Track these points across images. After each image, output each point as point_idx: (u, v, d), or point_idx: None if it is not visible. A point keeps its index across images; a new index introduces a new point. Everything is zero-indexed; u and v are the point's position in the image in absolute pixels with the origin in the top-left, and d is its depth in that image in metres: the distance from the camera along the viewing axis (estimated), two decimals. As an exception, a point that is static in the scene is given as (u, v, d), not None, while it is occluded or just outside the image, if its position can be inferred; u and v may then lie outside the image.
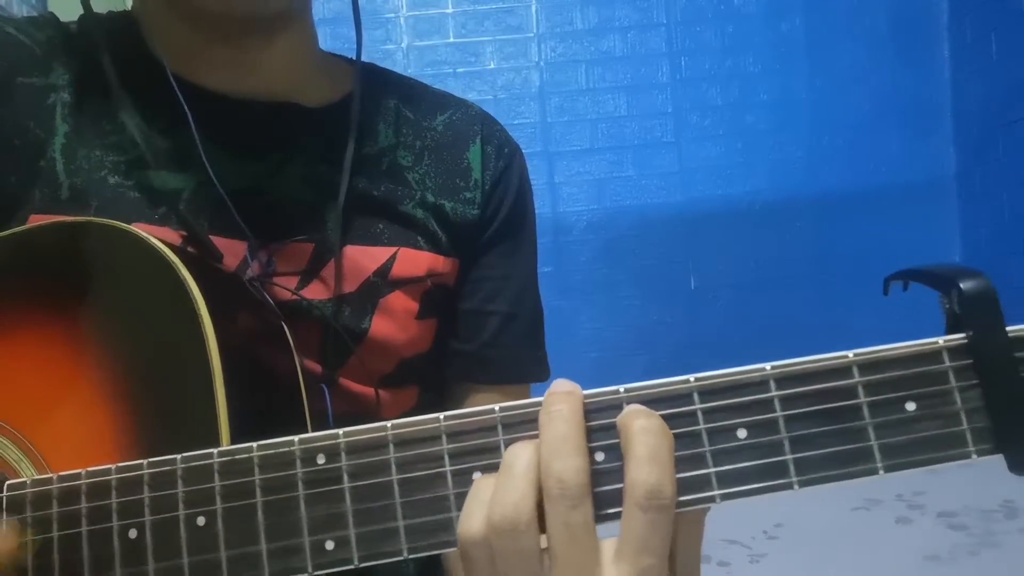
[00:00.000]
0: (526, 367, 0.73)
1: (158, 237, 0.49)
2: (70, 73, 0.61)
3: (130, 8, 0.66)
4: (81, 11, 0.63)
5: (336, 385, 0.63)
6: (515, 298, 0.72)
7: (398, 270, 0.65)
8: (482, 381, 0.71)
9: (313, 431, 0.41)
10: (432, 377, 0.72)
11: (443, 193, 0.68)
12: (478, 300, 0.71)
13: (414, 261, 0.66)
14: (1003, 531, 2.04)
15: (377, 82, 0.70)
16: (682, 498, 0.36)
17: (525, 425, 0.38)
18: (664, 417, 0.37)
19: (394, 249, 0.65)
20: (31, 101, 0.60)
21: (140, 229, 0.49)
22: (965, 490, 2.25)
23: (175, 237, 0.58)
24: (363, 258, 0.64)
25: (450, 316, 0.71)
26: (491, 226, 0.71)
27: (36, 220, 0.57)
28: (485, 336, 0.70)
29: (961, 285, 0.35)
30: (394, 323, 0.65)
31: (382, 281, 0.64)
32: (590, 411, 0.37)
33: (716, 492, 0.36)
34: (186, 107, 0.59)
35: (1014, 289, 2.75)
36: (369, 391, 0.64)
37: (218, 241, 0.59)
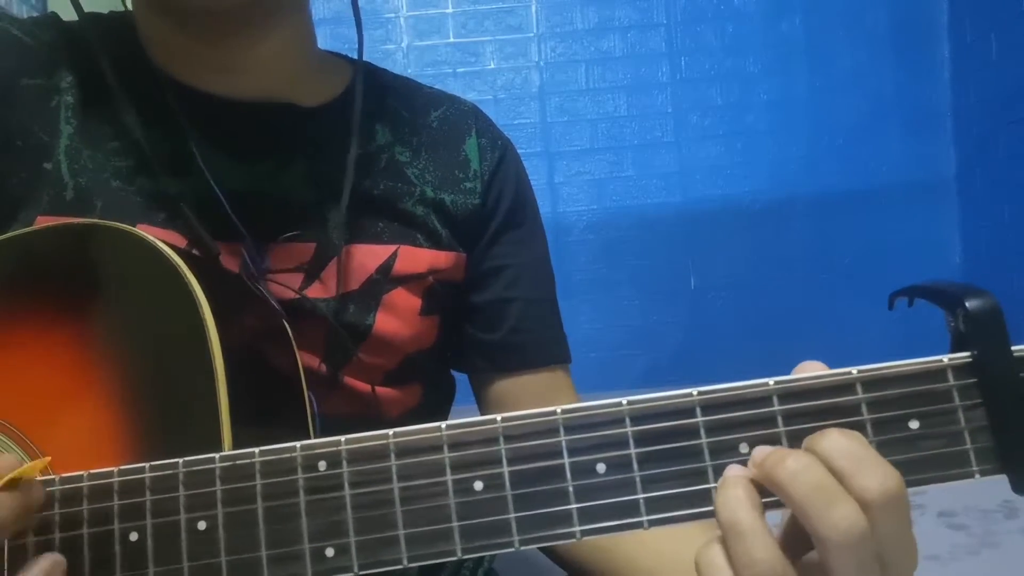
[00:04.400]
0: (553, 348, 0.73)
1: (162, 240, 0.49)
2: (73, 75, 0.61)
3: (130, 7, 0.66)
4: (83, 11, 0.63)
5: (340, 384, 0.63)
6: (534, 283, 0.73)
7: (399, 267, 0.65)
8: (511, 368, 0.72)
9: (311, 433, 0.40)
10: (435, 375, 0.72)
11: (443, 187, 0.69)
12: (498, 289, 0.71)
13: (414, 258, 0.66)
14: (1003, 531, 2.04)
15: (372, 80, 0.70)
16: (680, 512, 0.37)
17: (527, 437, 0.38)
18: (665, 431, 0.37)
19: (395, 247, 0.65)
20: (35, 103, 0.60)
21: (145, 232, 0.49)
22: (965, 490, 2.25)
23: (180, 240, 0.59)
24: (365, 256, 0.64)
25: (455, 312, 0.71)
26: (495, 216, 0.71)
27: (43, 222, 0.57)
28: (511, 322, 0.71)
29: (967, 304, 0.35)
30: (398, 319, 0.65)
31: (384, 278, 0.64)
32: (592, 424, 0.38)
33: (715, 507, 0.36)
34: (182, 113, 0.60)
35: (1015, 290, 2.75)
36: (375, 391, 0.65)
37: (221, 245, 0.59)
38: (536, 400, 0.71)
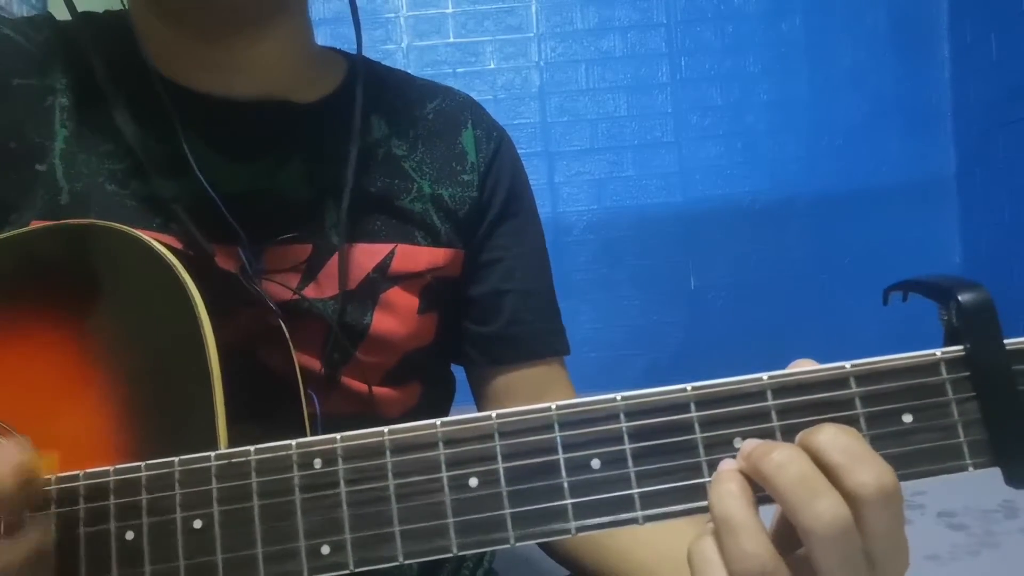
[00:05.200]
0: (550, 341, 0.73)
1: (159, 241, 0.49)
2: (68, 76, 0.61)
3: (127, 7, 0.66)
4: (79, 11, 0.62)
5: (339, 384, 0.63)
6: (530, 275, 0.73)
7: (397, 266, 0.65)
8: (507, 360, 0.71)
9: (309, 432, 0.40)
10: (435, 373, 0.72)
11: (441, 180, 0.68)
12: (493, 281, 0.71)
13: (412, 257, 0.66)
14: (1003, 531, 2.04)
15: (367, 73, 0.70)
16: (674, 507, 0.37)
17: (522, 433, 0.38)
18: (660, 426, 0.37)
19: (392, 245, 0.65)
20: (29, 103, 0.60)
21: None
22: (965, 490, 2.25)
23: (176, 245, 0.58)
24: (361, 255, 0.64)
25: (454, 309, 0.71)
26: (491, 207, 0.71)
27: (37, 225, 0.57)
28: (506, 315, 0.70)
29: (959, 297, 0.35)
30: (395, 318, 0.65)
31: (381, 277, 0.64)
32: (587, 420, 0.38)
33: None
34: (177, 114, 0.59)
35: (1015, 290, 2.75)
36: (371, 391, 0.65)
37: (218, 247, 0.59)
38: (532, 392, 0.71)
